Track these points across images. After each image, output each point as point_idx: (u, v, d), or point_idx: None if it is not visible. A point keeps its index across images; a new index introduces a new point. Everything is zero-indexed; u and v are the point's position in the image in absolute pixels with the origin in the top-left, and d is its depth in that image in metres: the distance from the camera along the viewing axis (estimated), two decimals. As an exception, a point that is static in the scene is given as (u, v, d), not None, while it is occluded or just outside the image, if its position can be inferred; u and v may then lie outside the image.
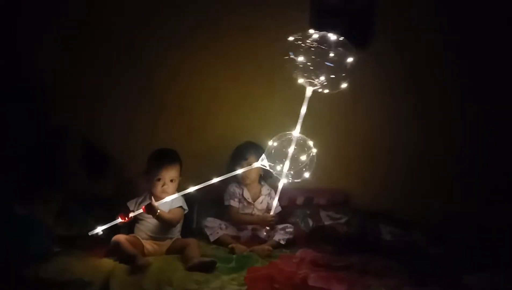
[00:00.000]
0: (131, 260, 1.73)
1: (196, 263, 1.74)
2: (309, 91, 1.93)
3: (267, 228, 2.17)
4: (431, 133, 2.63)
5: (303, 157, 1.89)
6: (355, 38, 2.60)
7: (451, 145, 2.60)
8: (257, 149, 2.30)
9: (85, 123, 2.57)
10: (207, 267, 1.74)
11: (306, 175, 1.90)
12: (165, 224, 1.98)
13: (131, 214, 1.90)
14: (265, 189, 2.39)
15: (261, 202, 2.35)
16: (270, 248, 2.04)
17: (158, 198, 2.01)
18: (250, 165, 2.18)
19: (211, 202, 2.34)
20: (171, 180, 2.02)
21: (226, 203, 2.31)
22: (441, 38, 2.61)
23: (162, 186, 2.01)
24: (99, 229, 1.89)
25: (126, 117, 2.62)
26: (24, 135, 2.36)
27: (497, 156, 2.55)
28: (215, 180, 1.94)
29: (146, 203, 2.01)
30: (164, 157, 2.05)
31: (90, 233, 1.90)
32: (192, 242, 1.94)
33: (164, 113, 2.64)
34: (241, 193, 2.33)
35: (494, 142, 2.56)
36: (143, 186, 2.15)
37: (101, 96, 2.61)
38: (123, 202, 2.09)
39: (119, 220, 1.88)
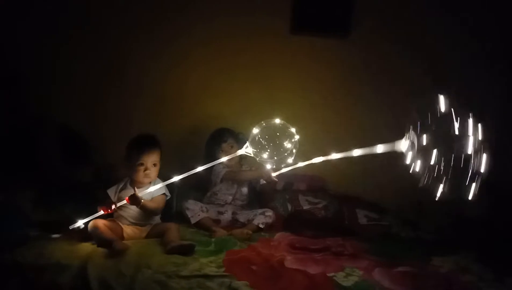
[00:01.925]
0: (109, 245, 1.73)
1: (175, 246, 1.77)
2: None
3: (264, 181, 2.25)
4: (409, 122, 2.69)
5: (287, 144, 1.90)
6: (335, 27, 2.67)
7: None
8: (233, 132, 2.38)
9: (63, 110, 2.54)
10: (186, 250, 1.76)
11: (289, 161, 1.93)
12: (149, 213, 1.99)
13: (114, 207, 1.89)
14: (245, 168, 2.44)
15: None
16: (250, 231, 2.07)
17: (139, 184, 2.01)
18: (231, 147, 2.31)
19: (190, 187, 2.35)
20: (154, 165, 2.02)
21: (221, 175, 2.34)
22: (420, 25, 2.65)
23: (145, 171, 2.00)
24: (80, 223, 1.88)
25: (105, 103, 2.60)
26: (1, 122, 2.31)
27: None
28: (200, 168, 1.94)
29: (127, 189, 2.02)
30: (145, 142, 2.04)
31: (71, 227, 1.89)
32: (172, 226, 1.95)
33: (143, 99, 2.63)
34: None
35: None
36: (123, 172, 2.13)
37: (80, 83, 2.58)
38: (102, 188, 2.08)
39: (101, 212, 1.87)
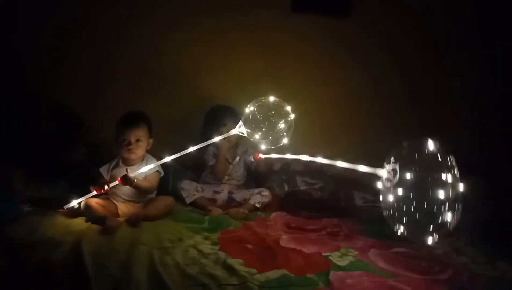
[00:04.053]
0: (102, 222, 1.72)
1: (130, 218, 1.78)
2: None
3: (252, 160, 2.30)
4: (408, 102, 2.67)
5: (281, 124, 1.85)
6: (336, 6, 2.61)
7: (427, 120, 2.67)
8: (233, 113, 2.31)
9: (57, 87, 2.48)
10: (133, 222, 1.76)
11: (285, 141, 1.89)
12: (143, 192, 1.97)
13: (107, 187, 1.86)
14: (241, 148, 2.41)
15: (239, 160, 2.40)
16: (246, 211, 2.07)
17: (130, 161, 1.99)
18: (229, 130, 2.23)
19: (186, 167, 2.34)
20: (137, 140, 1.98)
21: (211, 163, 2.34)
22: (421, 5, 2.60)
23: (128, 146, 1.97)
24: (74, 203, 1.87)
25: (99, 81, 2.53)
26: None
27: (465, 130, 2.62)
28: (192, 148, 1.91)
29: (119, 168, 2.00)
30: (128, 117, 2.01)
31: (65, 207, 1.87)
32: (161, 198, 1.97)
33: (138, 77, 2.57)
34: None
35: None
36: (114, 150, 2.09)
37: (75, 61, 2.51)
38: (95, 165, 2.05)
39: (94, 192, 1.86)
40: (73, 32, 2.49)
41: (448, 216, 1.36)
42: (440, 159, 1.39)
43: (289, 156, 1.85)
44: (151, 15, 2.52)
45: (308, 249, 1.70)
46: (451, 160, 1.40)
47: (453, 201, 1.38)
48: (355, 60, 2.67)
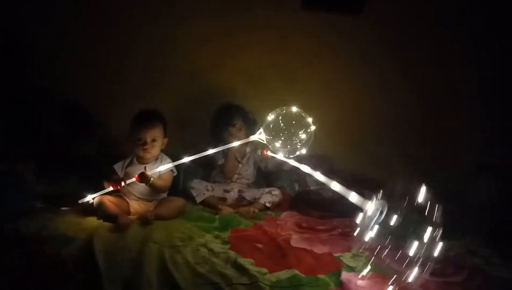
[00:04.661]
0: (114, 219, 1.73)
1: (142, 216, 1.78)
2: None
3: (259, 154, 2.31)
4: (419, 103, 2.63)
5: (302, 135, 1.86)
6: (347, 3, 2.58)
7: (437, 117, 2.63)
8: (242, 112, 2.30)
9: (67, 82, 2.50)
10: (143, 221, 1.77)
11: (303, 151, 1.89)
12: (157, 191, 1.98)
13: (123, 184, 1.86)
14: (250, 147, 2.41)
15: (248, 159, 2.39)
16: (256, 210, 2.06)
17: (144, 159, 2.00)
18: (239, 130, 2.28)
19: (197, 164, 2.33)
20: (153, 140, 1.98)
21: (221, 162, 2.35)
22: (434, 1, 2.56)
23: (143, 146, 1.97)
24: (89, 198, 1.88)
25: (109, 76, 2.54)
26: (4, 92, 2.28)
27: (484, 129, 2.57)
28: (211, 151, 1.94)
29: (133, 165, 2.01)
30: (145, 117, 2.01)
31: (80, 201, 1.89)
32: (172, 199, 1.96)
33: (149, 73, 2.57)
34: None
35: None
36: (128, 147, 2.09)
37: (86, 56, 2.52)
38: (106, 162, 2.06)
39: (110, 188, 1.87)
40: (85, 28, 2.50)
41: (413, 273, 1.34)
42: (427, 213, 1.38)
43: (292, 162, 1.87)
44: (162, 11, 2.52)
45: (319, 249, 1.69)
46: (438, 216, 1.38)
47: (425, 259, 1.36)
48: (366, 57, 2.64)
